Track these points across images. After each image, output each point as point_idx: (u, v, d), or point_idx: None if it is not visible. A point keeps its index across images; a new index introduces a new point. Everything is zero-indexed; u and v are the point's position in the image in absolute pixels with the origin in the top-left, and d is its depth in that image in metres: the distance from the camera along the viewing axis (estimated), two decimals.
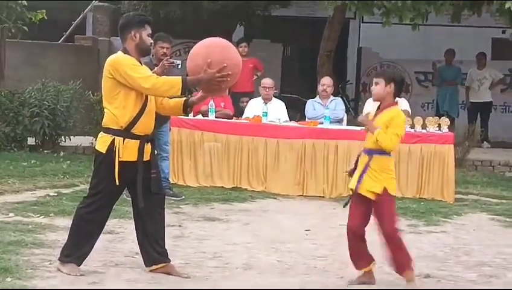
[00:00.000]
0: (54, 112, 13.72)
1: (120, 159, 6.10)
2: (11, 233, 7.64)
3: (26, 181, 10.83)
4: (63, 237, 7.03)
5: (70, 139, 14.11)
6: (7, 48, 15.37)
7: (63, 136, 14.03)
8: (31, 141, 13.96)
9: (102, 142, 6.21)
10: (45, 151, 13.66)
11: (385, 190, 6.43)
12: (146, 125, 6.24)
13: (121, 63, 6.13)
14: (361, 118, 6.91)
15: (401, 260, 6.46)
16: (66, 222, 8.03)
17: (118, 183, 6.13)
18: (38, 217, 8.58)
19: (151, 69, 10.02)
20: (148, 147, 6.27)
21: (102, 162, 6.22)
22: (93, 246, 6.40)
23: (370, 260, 6.54)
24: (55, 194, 10.00)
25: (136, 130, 6.16)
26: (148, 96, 6.24)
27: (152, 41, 6.40)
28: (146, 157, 6.24)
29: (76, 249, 6.30)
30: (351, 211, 6.52)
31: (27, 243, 7.27)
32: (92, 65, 17.90)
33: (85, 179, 10.98)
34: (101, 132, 6.26)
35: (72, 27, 20.58)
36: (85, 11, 20.80)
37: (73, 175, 11.51)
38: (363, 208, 6.47)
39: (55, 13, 16.61)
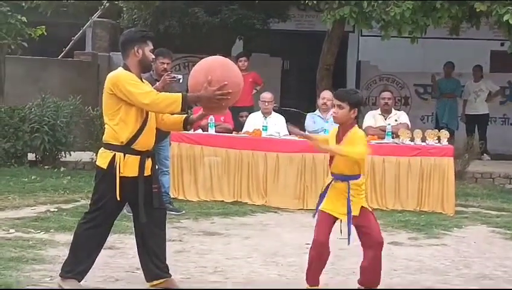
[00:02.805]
0: (54, 127, 13.73)
1: (121, 175, 6.11)
2: (11, 249, 7.64)
3: (26, 197, 10.84)
4: (63, 253, 7.04)
5: (70, 155, 14.12)
6: (7, 63, 15.43)
7: (63, 152, 14.04)
8: (31, 156, 13.97)
9: (103, 158, 6.22)
10: (45, 166, 13.67)
11: (362, 208, 6.41)
12: (147, 141, 6.25)
13: (121, 79, 6.15)
14: (306, 135, 6.81)
15: (376, 275, 6.44)
16: (67, 237, 8.03)
17: (119, 199, 6.13)
18: (38, 233, 8.57)
19: (152, 85, 10.06)
20: (149, 162, 6.28)
21: (103, 178, 6.22)
22: (94, 261, 6.40)
23: (317, 281, 6.51)
24: (56, 210, 10.01)
25: (137, 145, 6.18)
26: (149, 112, 6.25)
27: (154, 56, 6.41)
28: (147, 172, 6.25)
29: (77, 265, 6.30)
30: (320, 226, 6.45)
31: (28, 259, 7.27)
32: (91, 80, 17.93)
33: (85, 195, 10.99)
34: (102, 148, 6.27)
35: (71, 43, 20.66)
36: (84, 27, 20.88)
37: (74, 190, 11.51)
38: (332, 224, 6.46)
39: (54, 29, 16.67)
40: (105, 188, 6.17)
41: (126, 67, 6.26)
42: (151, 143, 6.32)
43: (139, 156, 6.18)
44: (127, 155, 6.14)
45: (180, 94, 6.12)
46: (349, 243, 6.38)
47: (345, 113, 6.38)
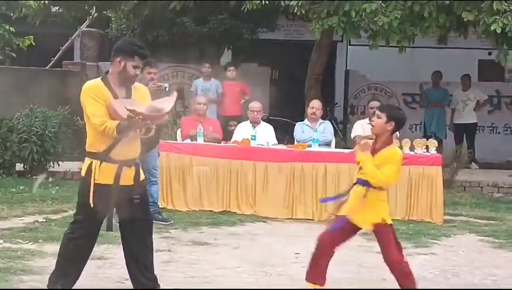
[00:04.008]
0: (43, 137, 13.71)
1: (96, 182, 6.06)
2: None
3: (14, 207, 10.81)
4: (51, 264, 6.99)
5: (59, 165, 14.09)
6: None
7: (51, 162, 14.01)
8: (19, 167, 13.92)
9: (83, 166, 6.21)
10: (34, 177, 13.61)
11: (383, 220, 6.42)
12: (126, 151, 6.13)
13: (85, 92, 6.17)
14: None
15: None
16: (55, 248, 7.98)
17: (92, 206, 6.07)
18: (27, 243, 8.55)
19: None
20: (129, 172, 6.17)
21: (82, 185, 6.20)
22: (81, 272, 6.34)
23: (322, 281, 6.52)
24: (44, 220, 9.97)
25: (114, 155, 6.09)
26: None
27: (138, 73, 6.27)
28: (128, 181, 6.16)
29: (63, 276, 6.25)
30: (341, 227, 6.50)
31: (16, 270, 7.25)
32: (80, 90, 17.73)
33: (74, 205, 10.79)
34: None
35: (60, 53, 20.64)
36: (73, 37, 20.87)
37: (62, 201, 11.48)
38: (349, 231, 6.48)
39: (43, 39, 16.66)
40: (84, 196, 6.13)
41: (107, 74, 6.23)
42: (133, 153, 6.22)
43: (116, 165, 6.10)
44: (103, 163, 6.08)
45: (116, 124, 5.96)
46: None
47: (380, 123, 6.46)
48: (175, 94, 6.37)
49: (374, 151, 6.47)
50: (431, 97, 17.53)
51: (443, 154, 12.17)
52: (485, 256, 8.98)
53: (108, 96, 6.12)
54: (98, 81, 6.24)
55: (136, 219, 6.22)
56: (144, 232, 6.34)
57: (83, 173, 6.18)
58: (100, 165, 6.08)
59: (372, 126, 6.59)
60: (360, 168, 6.54)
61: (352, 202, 6.48)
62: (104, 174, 6.08)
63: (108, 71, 6.28)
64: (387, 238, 6.45)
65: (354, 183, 6.58)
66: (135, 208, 6.20)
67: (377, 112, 6.55)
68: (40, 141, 13.65)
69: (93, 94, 6.13)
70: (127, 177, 6.16)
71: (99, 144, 6.10)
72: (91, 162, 6.11)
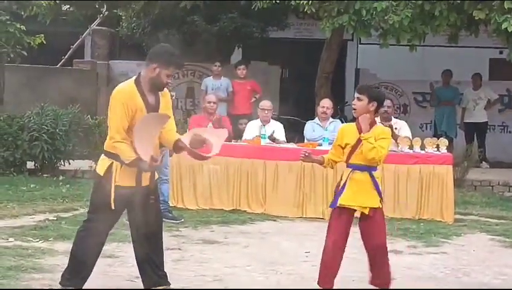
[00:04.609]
0: (53, 136, 13.73)
1: (116, 184, 6.09)
2: (10, 258, 7.63)
3: (25, 205, 10.83)
4: (62, 262, 7.02)
5: (69, 163, 14.12)
6: (6, 72, 15.44)
7: (62, 160, 14.03)
8: (30, 165, 13.96)
9: (101, 165, 6.20)
10: (44, 175, 13.66)
11: (379, 203, 6.46)
12: None
13: (116, 95, 6.10)
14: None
15: (386, 275, 6.47)
16: (66, 246, 8.02)
17: (113, 207, 6.11)
18: (37, 241, 8.56)
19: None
20: (147, 173, 6.23)
21: (99, 185, 6.21)
22: (92, 269, 6.37)
23: (332, 283, 6.52)
24: (55, 219, 9.98)
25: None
26: None
27: (170, 81, 6.21)
28: (145, 182, 6.22)
29: (76, 273, 6.28)
30: (336, 226, 6.49)
31: (27, 268, 7.26)
32: (90, 89, 17.95)
33: (84, 203, 10.97)
34: (102, 154, 6.26)
35: (70, 51, 20.70)
36: (83, 35, 20.92)
37: (73, 199, 11.50)
38: (348, 222, 6.49)
39: (53, 38, 16.68)
40: (101, 196, 6.14)
41: (138, 77, 6.20)
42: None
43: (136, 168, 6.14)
44: (124, 165, 6.12)
45: (134, 157, 5.98)
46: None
47: (363, 105, 6.48)
48: (225, 132, 6.49)
49: (361, 133, 6.48)
50: (441, 96, 17.49)
51: (454, 153, 12.15)
52: (495, 255, 8.95)
53: (139, 104, 6.09)
54: (131, 84, 6.17)
55: (150, 218, 6.24)
56: (155, 231, 6.36)
57: (100, 172, 6.17)
58: (121, 166, 6.09)
59: (354, 110, 6.57)
60: (351, 152, 6.52)
61: (355, 189, 6.45)
62: (125, 176, 6.11)
63: (140, 73, 6.24)
64: (383, 221, 6.51)
65: (347, 176, 6.54)
66: (150, 208, 6.23)
67: (357, 95, 6.53)
68: (50, 139, 13.68)
69: (124, 100, 6.07)
70: (145, 178, 6.20)
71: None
72: (111, 163, 6.12)
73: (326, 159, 6.77)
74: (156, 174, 6.39)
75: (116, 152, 6.06)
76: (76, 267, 6.29)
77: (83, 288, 6.27)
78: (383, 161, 6.63)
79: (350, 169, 6.53)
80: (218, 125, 12.08)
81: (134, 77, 6.23)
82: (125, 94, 6.10)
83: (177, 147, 6.27)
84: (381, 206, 6.49)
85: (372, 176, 6.46)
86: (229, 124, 12.34)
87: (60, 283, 6.34)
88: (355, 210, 6.47)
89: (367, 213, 6.41)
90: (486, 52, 19.56)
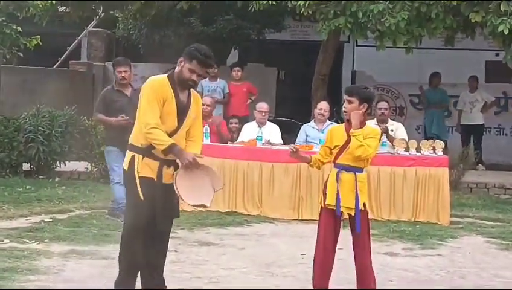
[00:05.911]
0: (49, 137, 13.71)
1: (139, 175, 6.06)
2: (6, 259, 7.61)
3: (21, 207, 10.82)
4: (58, 263, 7.02)
5: (65, 165, 14.10)
6: (2, 73, 15.42)
7: (58, 162, 14.01)
8: (26, 166, 13.94)
9: (125, 160, 6.22)
10: (40, 176, 13.64)
11: (364, 205, 6.45)
12: None
13: (148, 84, 6.11)
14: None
15: (370, 277, 6.46)
16: (61, 247, 8.03)
17: (142, 198, 6.05)
18: (33, 243, 8.54)
19: (112, 97, 10.03)
20: (169, 170, 6.18)
21: (127, 179, 6.21)
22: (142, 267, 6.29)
23: (327, 284, 6.53)
24: (50, 220, 9.97)
25: (156, 151, 6.10)
26: (183, 124, 6.19)
27: (193, 78, 6.17)
28: (167, 180, 6.16)
29: (124, 283, 6.29)
30: (325, 229, 6.50)
31: (22, 270, 7.25)
32: (86, 90, 17.95)
33: (80, 205, 11.00)
34: (127, 150, 6.26)
35: (66, 53, 20.69)
36: (80, 37, 20.90)
37: (69, 201, 11.49)
38: (336, 222, 6.49)
39: (49, 39, 16.67)
40: (130, 188, 6.15)
41: (172, 73, 6.22)
42: None
43: (158, 162, 6.11)
44: (145, 158, 6.10)
45: (170, 142, 6.01)
46: (359, 230, 6.39)
47: (354, 107, 6.47)
48: (220, 185, 6.59)
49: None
50: (430, 98, 17.48)
51: (450, 155, 12.15)
52: (491, 257, 8.96)
53: (169, 95, 6.10)
54: (164, 77, 6.21)
55: (169, 216, 6.25)
56: (163, 237, 6.34)
57: (126, 167, 6.18)
58: (142, 159, 6.09)
59: (345, 112, 6.57)
60: (339, 153, 6.51)
61: (343, 189, 6.43)
62: (146, 167, 6.10)
63: (174, 69, 6.26)
64: (368, 223, 6.49)
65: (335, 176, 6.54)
66: (172, 208, 6.23)
67: (347, 98, 6.53)
68: (46, 140, 13.66)
69: (155, 88, 6.09)
70: (167, 175, 6.17)
71: (143, 138, 6.09)
72: (133, 156, 6.13)
73: (313, 159, 6.75)
74: None
75: (149, 139, 6.02)
76: (124, 277, 6.27)
77: (80, 288, 6.24)
78: (370, 163, 6.61)
79: (337, 169, 6.52)
80: (217, 128, 12.10)
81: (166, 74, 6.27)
82: (156, 83, 6.13)
83: (173, 151, 6.14)
84: (363, 209, 6.46)
85: (356, 179, 6.43)
86: (226, 130, 12.37)
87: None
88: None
89: (353, 215, 6.40)
90: (482, 54, 19.58)
